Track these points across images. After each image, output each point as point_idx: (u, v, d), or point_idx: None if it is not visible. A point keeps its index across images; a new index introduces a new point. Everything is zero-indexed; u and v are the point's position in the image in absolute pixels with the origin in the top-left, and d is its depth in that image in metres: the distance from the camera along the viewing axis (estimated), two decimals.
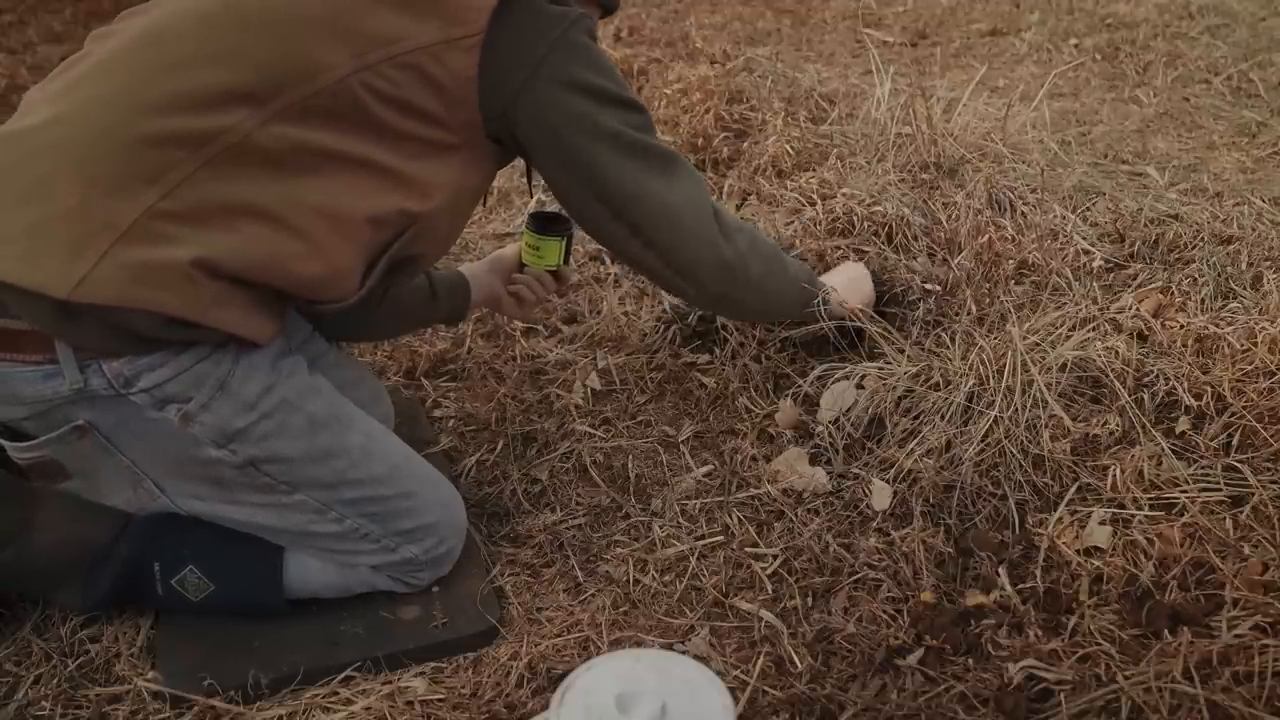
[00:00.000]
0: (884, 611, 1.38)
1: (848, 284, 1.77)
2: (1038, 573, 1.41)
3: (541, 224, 1.67)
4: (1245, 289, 1.97)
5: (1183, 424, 1.62)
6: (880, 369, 1.73)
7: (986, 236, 2.07)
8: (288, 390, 1.23)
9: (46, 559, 1.29)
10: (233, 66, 1.12)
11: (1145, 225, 2.25)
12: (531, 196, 1.77)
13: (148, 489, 1.25)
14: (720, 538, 1.52)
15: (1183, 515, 1.47)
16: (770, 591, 1.43)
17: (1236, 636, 1.27)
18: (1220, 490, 1.51)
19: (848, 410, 1.69)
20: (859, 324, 1.74)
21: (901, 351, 1.76)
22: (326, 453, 1.27)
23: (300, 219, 1.15)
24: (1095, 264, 2.10)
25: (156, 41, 1.16)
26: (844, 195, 2.21)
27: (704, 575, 1.45)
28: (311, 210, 1.15)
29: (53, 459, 1.20)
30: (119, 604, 1.35)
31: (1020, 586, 1.40)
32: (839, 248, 2.06)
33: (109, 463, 1.21)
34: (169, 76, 1.13)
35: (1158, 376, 1.69)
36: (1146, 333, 1.82)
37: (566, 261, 1.70)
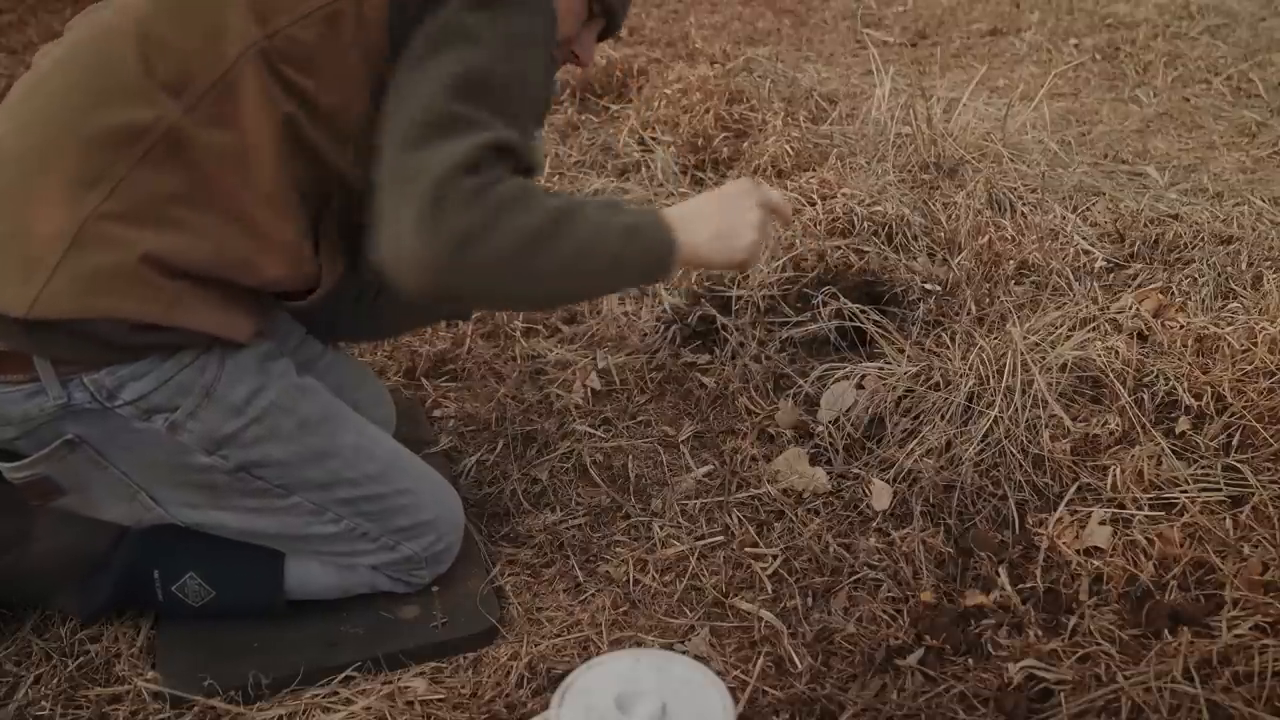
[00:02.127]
0: (884, 611, 1.38)
1: (691, 217, 1.22)
2: (1038, 573, 1.41)
3: None
4: (1245, 289, 1.97)
5: (1183, 424, 1.62)
6: (880, 369, 1.73)
7: (986, 236, 2.07)
8: (277, 393, 1.22)
9: (46, 566, 1.29)
10: (156, 58, 1.10)
11: (1145, 225, 2.25)
12: None
13: (143, 501, 1.24)
14: (720, 538, 1.52)
15: (1183, 515, 1.47)
16: (770, 591, 1.43)
17: (1236, 636, 1.27)
18: (1220, 490, 1.51)
19: (848, 410, 1.69)
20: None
21: (901, 351, 1.76)
22: (320, 453, 1.26)
23: (239, 204, 1.12)
24: (1096, 264, 2.10)
25: (93, 45, 1.14)
26: (844, 195, 2.21)
27: (704, 575, 1.45)
28: (247, 194, 1.12)
29: (47, 476, 1.19)
30: (119, 609, 1.35)
31: (1020, 586, 1.40)
32: (839, 247, 2.06)
33: (102, 476, 1.21)
34: (101, 78, 1.11)
35: (1158, 376, 1.69)
36: (1146, 333, 1.82)
37: None
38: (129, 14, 1.13)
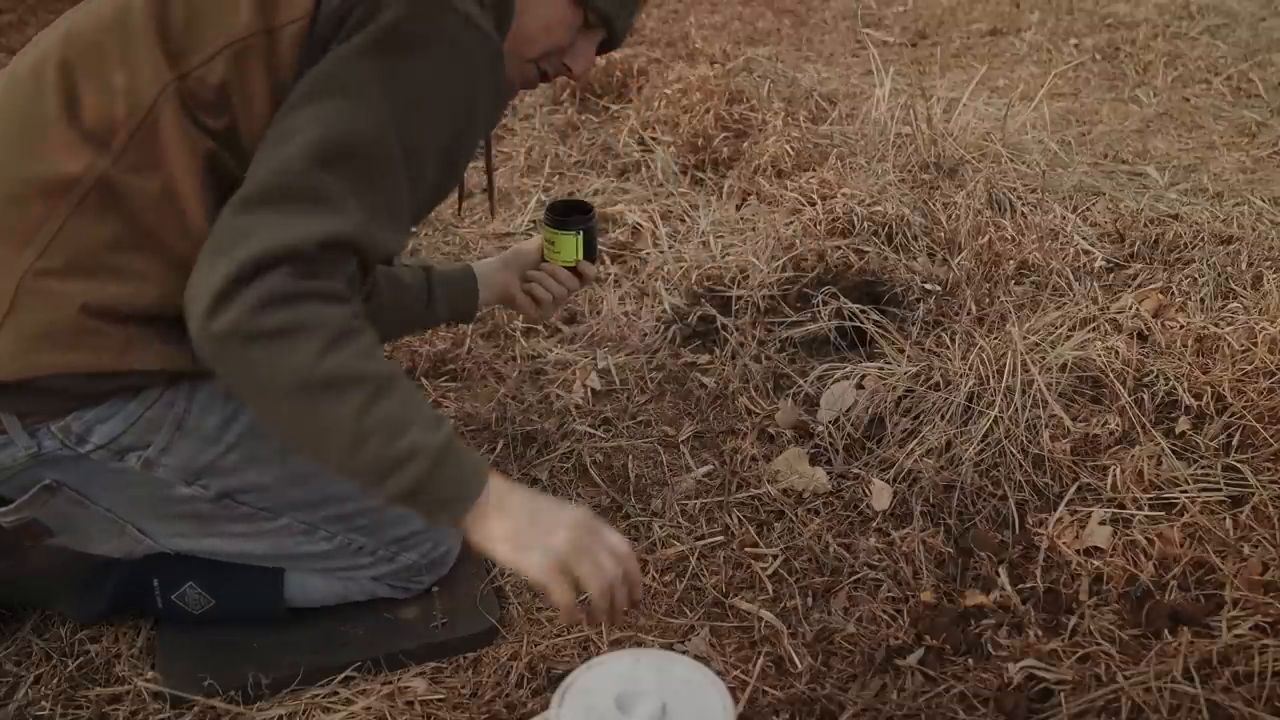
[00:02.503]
0: (884, 611, 1.38)
1: (517, 501, 1.04)
2: (1038, 573, 1.41)
3: (560, 215, 1.52)
4: (1245, 289, 1.97)
5: (1183, 424, 1.62)
6: (880, 369, 1.73)
7: (986, 236, 2.07)
8: (251, 417, 1.18)
9: (47, 570, 1.29)
10: (79, 105, 1.06)
11: (1145, 225, 2.25)
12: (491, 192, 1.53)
13: (132, 534, 1.23)
14: (720, 538, 1.52)
15: (1183, 515, 1.47)
16: (770, 591, 1.43)
17: (1236, 636, 1.27)
18: (1220, 490, 1.51)
19: (848, 410, 1.69)
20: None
21: (901, 351, 1.76)
22: (304, 474, 1.24)
23: (176, 246, 1.07)
24: (1096, 264, 2.10)
25: (17, 93, 1.10)
26: (844, 195, 2.21)
27: (704, 575, 1.45)
28: (183, 235, 1.07)
29: (34, 519, 1.18)
30: (119, 615, 1.35)
31: (1020, 586, 1.40)
32: (839, 247, 2.07)
33: (88, 515, 1.19)
34: (27, 130, 1.07)
35: (1158, 376, 1.69)
36: (1146, 333, 1.82)
37: (589, 257, 1.53)
38: (51, 58, 1.09)
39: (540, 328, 2.08)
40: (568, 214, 1.52)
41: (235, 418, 1.18)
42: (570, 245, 1.51)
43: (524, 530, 1.02)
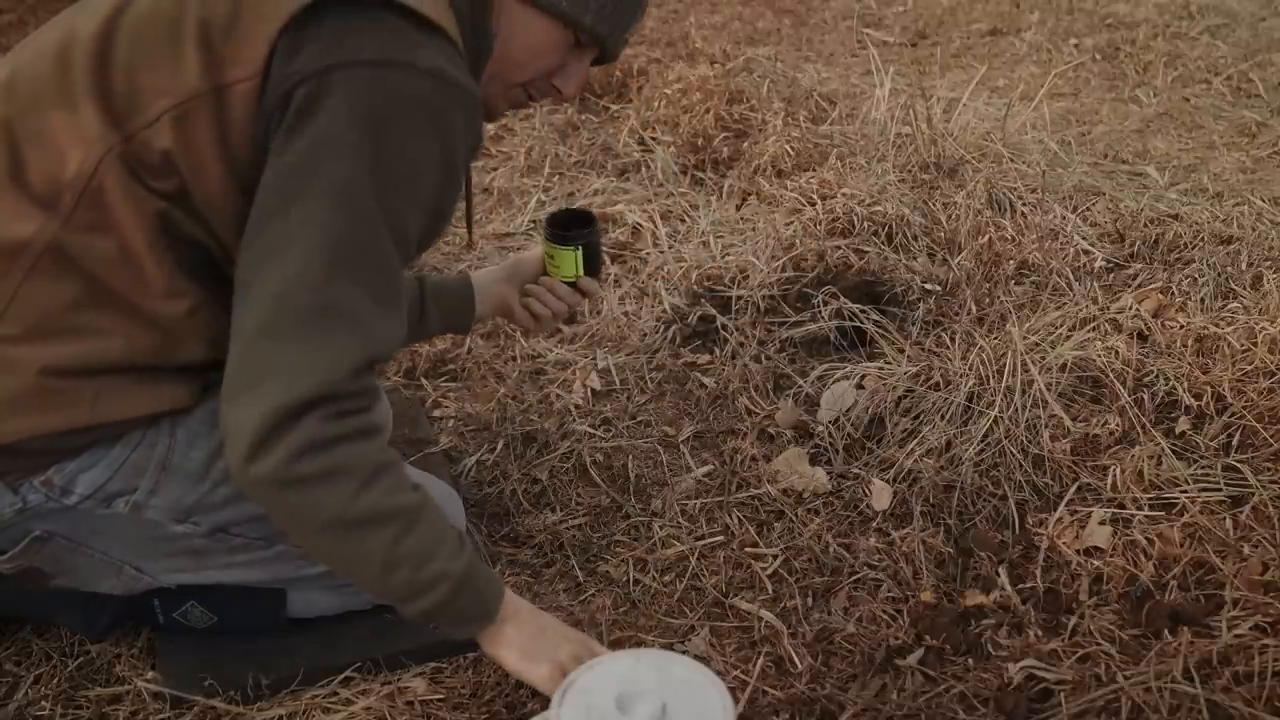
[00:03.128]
0: (884, 611, 1.38)
1: (527, 618, 1.15)
2: (1038, 573, 1.41)
3: (559, 227, 1.46)
4: (1245, 289, 1.97)
5: (1183, 424, 1.62)
6: (880, 369, 1.73)
7: (986, 236, 2.07)
8: None
9: (48, 591, 1.27)
10: (24, 166, 1.03)
11: (1145, 225, 2.25)
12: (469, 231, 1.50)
13: (130, 574, 1.22)
14: (720, 538, 1.52)
15: (1183, 515, 1.47)
16: (770, 591, 1.43)
17: (1236, 636, 1.27)
18: (1220, 490, 1.51)
19: (848, 410, 1.69)
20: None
21: (901, 351, 1.76)
22: None
23: (137, 302, 1.06)
24: (1096, 264, 2.11)
25: None
26: (844, 195, 2.21)
27: (704, 575, 1.45)
28: (142, 291, 1.05)
29: (32, 567, 1.17)
30: (121, 629, 1.34)
31: (1020, 586, 1.40)
32: (839, 247, 2.07)
33: (83, 559, 1.18)
34: None
35: (1158, 376, 1.69)
36: (1146, 333, 1.82)
37: (591, 271, 1.48)
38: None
39: None
40: (568, 226, 1.46)
41: (220, 453, 1.13)
42: (570, 261, 1.46)
43: (532, 643, 1.12)
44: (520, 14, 1.10)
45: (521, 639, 1.12)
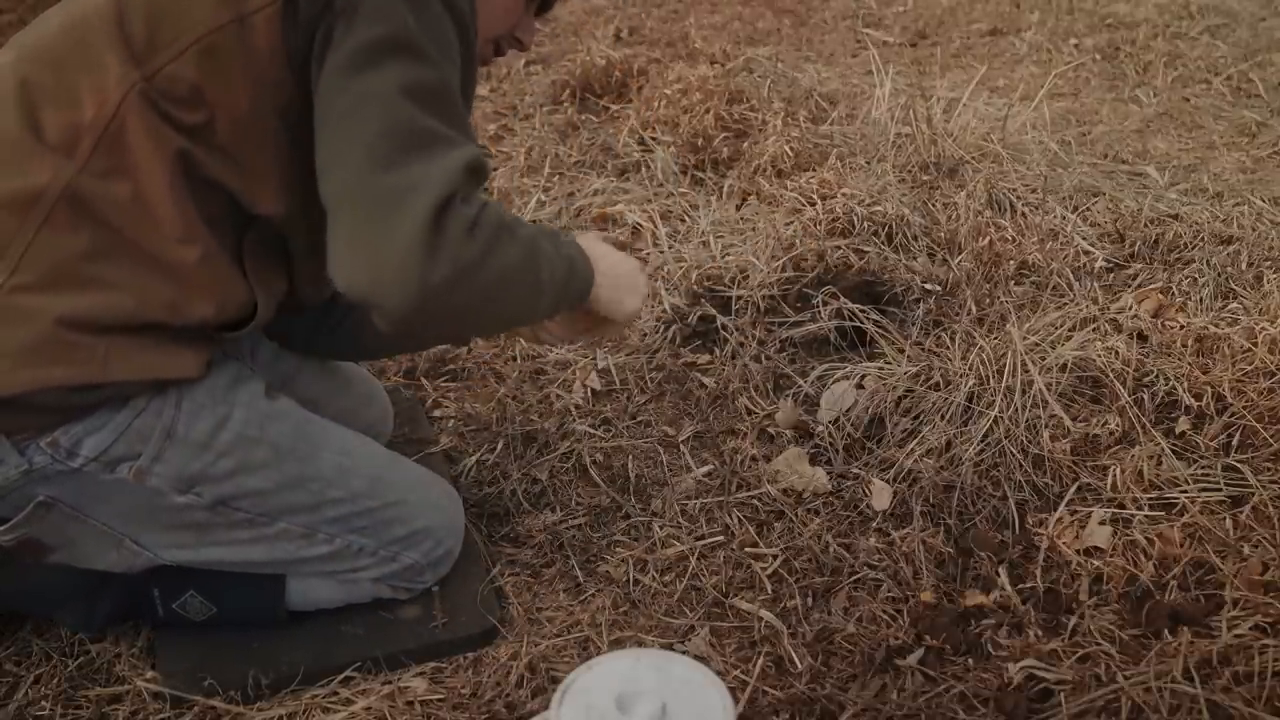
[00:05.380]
0: (884, 611, 1.38)
1: (600, 256, 1.28)
2: (1038, 573, 1.41)
3: None
4: (1245, 289, 1.97)
5: (1183, 424, 1.62)
6: (880, 369, 1.73)
7: (986, 237, 2.07)
8: (244, 423, 1.19)
9: (47, 581, 1.28)
10: (41, 116, 1.06)
11: (1145, 225, 2.25)
12: None
13: (129, 548, 1.22)
14: (720, 538, 1.52)
15: (1183, 515, 1.47)
16: (770, 591, 1.43)
17: (1236, 636, 1.27)
18: (1220, 490, 1.51)
19: (848, 410, 1.69)
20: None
21: (901, 351, 1.76)
22: (299, 478, 1.23)
23: (152, 252, 1.08)
24: (1096, 264, 2.11)
25: None
26: (844, 195, 2.21)
27: (704, 575, 1.45)
28: (157, 240, 1.08)
29: (32, 537, 1.18)
30: (120, 624, 1.34)
31: (1020, 586, 1.40)
32: (839, 247, 2.06)
33: (84, 529, 1.19)
34: None
35: (1158, 376, 1.69)
36: (1146, 333, 1.82)
37: None
38: (9, 74, 1.09)
39: None
40: None
41: (225, 424, 1.18)
42: None
43: (622, 283, 1.28)
44: None
45: (611, 278, 1.27)
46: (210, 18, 1.05)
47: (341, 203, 1.01)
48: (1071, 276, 2.02)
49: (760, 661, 1.30)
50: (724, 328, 1.94)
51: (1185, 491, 1.50)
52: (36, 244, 1.05)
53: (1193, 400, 1.64)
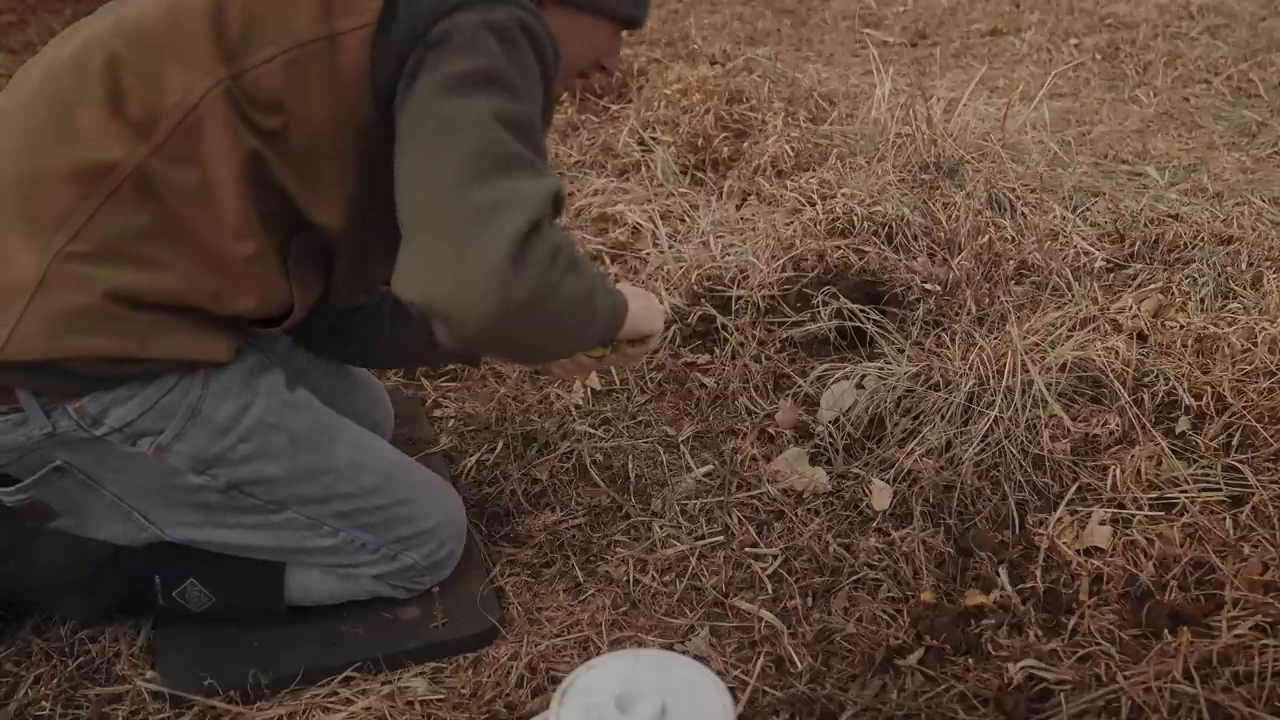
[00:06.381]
0: (884, 611, 1.38)
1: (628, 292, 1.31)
2: (1038, 573, 1.41)
3: None
4: (1245, 289, 1.97)
5: (1183, 424, 1.62)
6: (880, 369, 1.73)
7: (986, 237, 2.07)
8: (264, 410, 1.21)
9: (48, 571, 1.29)
10: (124, 94, 1.08)
11: (1145, 225, 2.25)
12: None
13: (136, 521, 1.24)
14: (720, 538, 1.52)
15: (1183, 515, 1.47)
16: (770, 591, 1.43)
17: (1236, 636, 1.27)
18: (1220, 490, 1.51)
19: (848, 410, 1.69)
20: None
21: (901, 351, 1.76)
22: (312, 469, 1.25)
23: (207, 241, 1.11)
24: (1096, 264, 2.11)
25: (61, 78, 1.11)
26: (844, 195, 2.21)
27: (704, 575, 1.45)
28: (214, 230, 1.11)
29: (40, 500, 1.19)
30: (120, 613, 1.35)
31: (1020, 586, 1.40)
32: (839, 247, 2.06)
33: (94, 498, 1.20)
34: (68, 115, 1.09)
35: (1158, 376, 1.69)
36: (1146, 333, 1.82)
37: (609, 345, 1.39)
38: (100, 45, 1.11)
39: None
40: None
41: (247, 410, 1.20)
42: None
43: (641, 313, 1.31)
44: (570, 20, 1.22)
45: (637, 305, 1.29)
46: (304, 30, 1.08)
47: (425, 217, 1.01)
48: (1071, 276, 2.02)
49: (760, 661, 1.30)
50: (724, 328, 1.94)
51: (1185, 491, 1.50)
52: (99, 216, 1.07)
53: (1193, 400, 1.64)
